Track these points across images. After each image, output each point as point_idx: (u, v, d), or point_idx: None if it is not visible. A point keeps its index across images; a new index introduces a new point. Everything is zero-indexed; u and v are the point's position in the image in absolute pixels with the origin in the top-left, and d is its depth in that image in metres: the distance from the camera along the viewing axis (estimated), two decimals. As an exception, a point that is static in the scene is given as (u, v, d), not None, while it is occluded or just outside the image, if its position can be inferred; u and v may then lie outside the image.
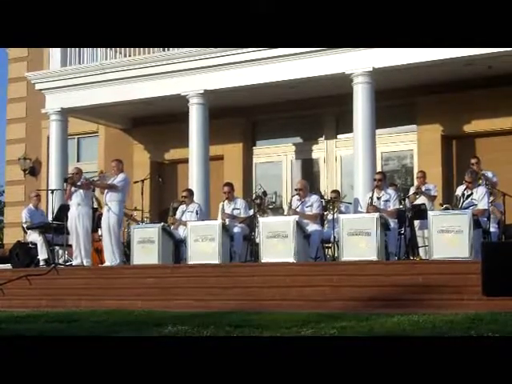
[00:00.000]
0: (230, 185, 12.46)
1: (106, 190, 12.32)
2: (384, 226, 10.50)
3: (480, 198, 10.43)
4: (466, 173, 10.84)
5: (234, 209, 12.12)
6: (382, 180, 11.45)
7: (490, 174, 11.66)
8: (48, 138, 16.44)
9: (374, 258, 10.16)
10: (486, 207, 10.40)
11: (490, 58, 12.34)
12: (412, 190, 12.62)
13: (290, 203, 11.64)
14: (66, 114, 15.84)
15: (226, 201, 12.23)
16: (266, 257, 10.76)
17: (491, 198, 10.88)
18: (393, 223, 11.01)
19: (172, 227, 12.29)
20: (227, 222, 11.73)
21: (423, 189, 12.33)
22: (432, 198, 12.33)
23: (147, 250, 11.58)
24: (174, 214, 12.57)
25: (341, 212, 11.66)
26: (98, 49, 15.35)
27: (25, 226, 13.74)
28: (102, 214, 12.46)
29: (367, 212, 11.05)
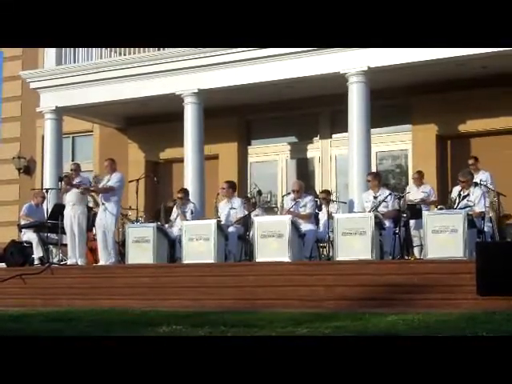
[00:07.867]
0: (229, 183, 12.40)
1: (102, 190, 12.28)
2: (379, 225, 10.50)
3: (477, 200, 10.39)
4: (459, 173, 10.82)
5: (230, 208, 12.06)
6: (376, 180, 11.40)
7: (484, 177, 11.56)
8: (43, 136, 16.41)
9: (368, 257, 10.17)
10: (483, 210, 10.37)
11: (485, 58, 12.35)
12: (407, 190, 12.58)
13: (282, 203, 11.61)
14: (60, 112, 15.82)
15: (225, 199, 12.17)
16: (261, 256, 10.76)
17: (487, 200, 10.80)
18: (388, 222, 11.00)
19: (167, 226, 12.28)
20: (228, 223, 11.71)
21: (420, 190, 12.33)
22: (431, 203, 12.28)
23: (142, 249, 11.58)
24: (171, 213, 12.54)
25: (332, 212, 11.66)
26: (93, 48, 15.32)
27: (22, 221, 13.72)
28: (96, 213, 12.43)
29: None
